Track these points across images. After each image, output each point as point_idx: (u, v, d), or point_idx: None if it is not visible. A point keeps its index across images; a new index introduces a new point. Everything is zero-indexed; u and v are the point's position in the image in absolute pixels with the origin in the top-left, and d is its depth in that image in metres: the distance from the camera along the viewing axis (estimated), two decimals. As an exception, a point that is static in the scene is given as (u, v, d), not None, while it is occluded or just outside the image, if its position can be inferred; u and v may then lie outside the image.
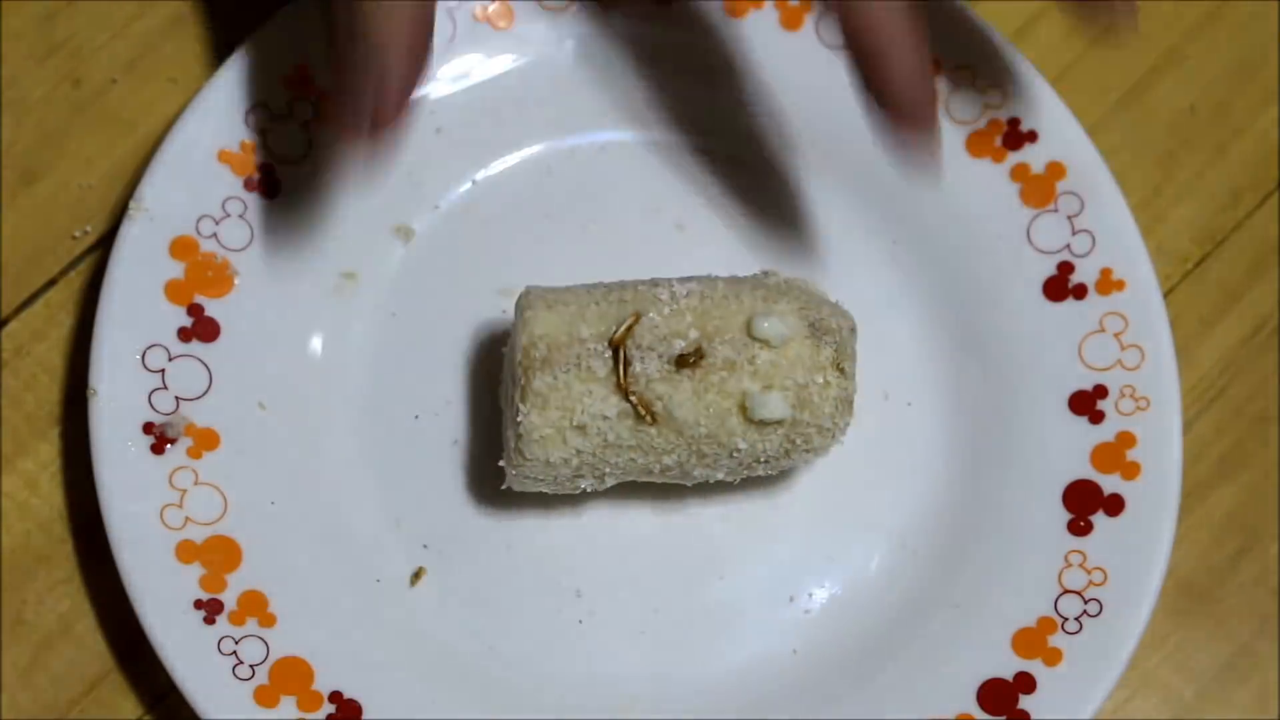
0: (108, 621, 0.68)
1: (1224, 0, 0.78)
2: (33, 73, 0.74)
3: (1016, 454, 0.69)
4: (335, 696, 0.64)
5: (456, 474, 0.69)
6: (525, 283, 0.65)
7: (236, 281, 0.68)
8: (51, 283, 0.72)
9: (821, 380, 0.62)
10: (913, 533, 0.70)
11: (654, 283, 0.64)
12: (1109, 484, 0.68)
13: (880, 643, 0.68)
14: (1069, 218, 0.70)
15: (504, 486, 0.66)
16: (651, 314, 0.62)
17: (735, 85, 0.73)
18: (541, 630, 0.68)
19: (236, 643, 0.64)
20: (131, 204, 0.67)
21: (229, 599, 0.64)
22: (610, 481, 0.65)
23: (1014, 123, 0.71)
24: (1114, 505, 0.67)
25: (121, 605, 0.64)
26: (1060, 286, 0.70)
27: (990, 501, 0.69)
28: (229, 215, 0.68)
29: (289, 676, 0.64)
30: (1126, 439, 0.68)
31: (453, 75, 0.72)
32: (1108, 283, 0.69)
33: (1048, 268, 0.70)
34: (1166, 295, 0.73)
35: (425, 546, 0.69)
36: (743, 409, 0.62)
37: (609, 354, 0.62)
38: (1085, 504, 0.68)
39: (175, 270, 0.67)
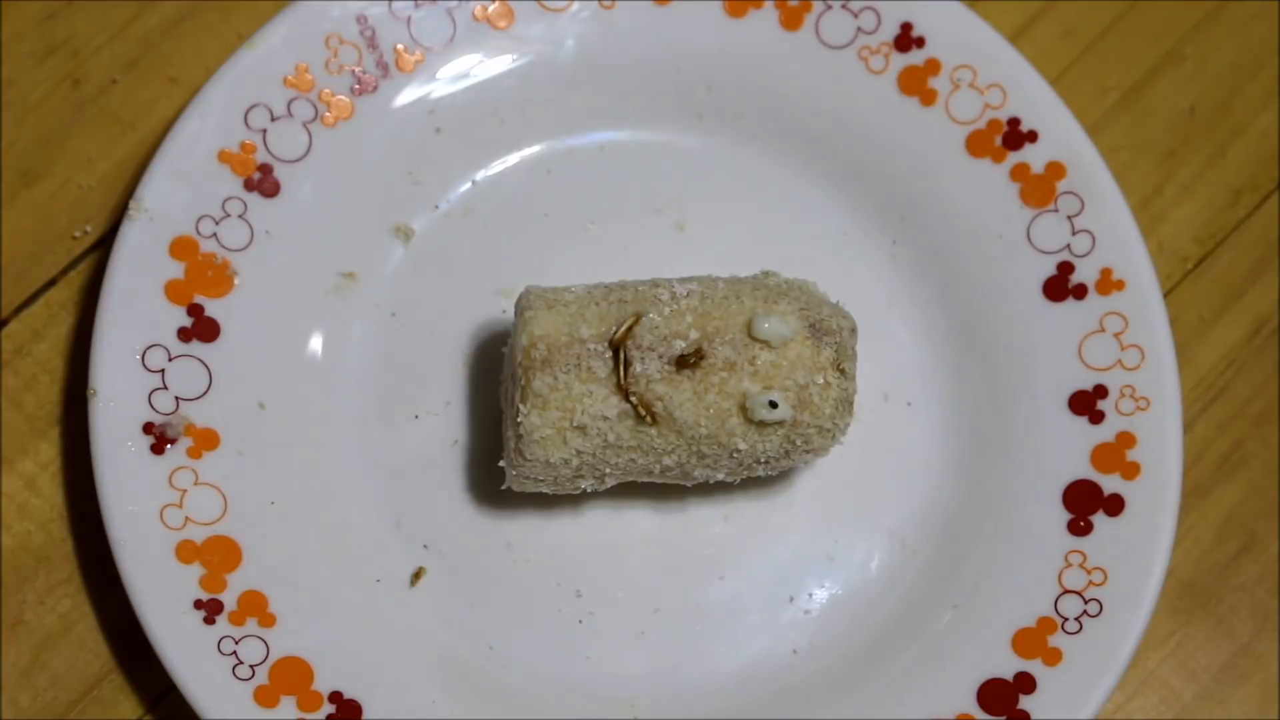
0: (108, 621, 0.68)
1: (1224, 0, 0.78)
2: (33, 73, 0.74)
3: (1016, 454, 0.69)
4: (335, 696, 0.64)
5: (456, 474, 0.69)
6: (525, 283, 0.65)
7: (236, 281, 0.68)
8: (51, 283, 0.72)
9: (822, 381, 0.62)
10: (913, 533, 0.70)
11: (654, 283, 0.64)
12: (1109, 484, 0.68)
13: (880, 643, 0.68)
14: (1069, 218, 0.70)
15: (504, 486, 0.66)
16: (652, 314, 0.62)
17: (735, 85, 0.73)
18: (541, 630, 0.68)
19: (236, 643, 0.64)
20: (131, 204, 0.67)
21: (229, 599, 0.64)
22: (610, 482, 0.65)
23: (1014, 123, 0.71)
24: (1114, 505, 0.67)
25: (121, 605, 0.64)
26: (1060, 286, 0.70)
27: (990, 501, 0.69)
28: (229, 215, 0.68)
29: (289, 676, 0.64)
30: (1126, 439, 0.68)
31: (453, 75, 0.72)
32: (1108, 283, 0.69)
33: (1048, 268, 0.70)
34: (1166, 295, 0.73)
35: (425, 546, 0.69)
36: (743, 409, 0.62)
37: (609, 354, 0.62)
38: (1085, 504, 0.68)
39: (175, 270, 0.67)
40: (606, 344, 0.62)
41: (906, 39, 0.72)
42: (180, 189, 0.68)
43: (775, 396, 0.62)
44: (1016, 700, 0.66)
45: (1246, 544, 0.72)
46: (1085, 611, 0.66)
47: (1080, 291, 0.70)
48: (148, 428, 0.65)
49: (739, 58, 0.72)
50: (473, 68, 0.72)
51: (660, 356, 0.62)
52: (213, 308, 0.67)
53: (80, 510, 0.69)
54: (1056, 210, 0.70)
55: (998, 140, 0.71)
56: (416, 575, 0.68)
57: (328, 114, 0.70)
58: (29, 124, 0.73)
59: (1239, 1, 0.78)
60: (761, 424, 0.62)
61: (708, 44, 0.72)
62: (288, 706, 0.64)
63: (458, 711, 0.65)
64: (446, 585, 0.68)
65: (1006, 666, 0.66)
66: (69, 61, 0.74)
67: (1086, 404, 0.69)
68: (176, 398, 0.66)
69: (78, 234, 0.72)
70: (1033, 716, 0.65)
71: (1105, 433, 0.68)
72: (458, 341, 0.71)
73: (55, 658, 0.68)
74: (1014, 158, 0.71)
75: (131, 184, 0.71)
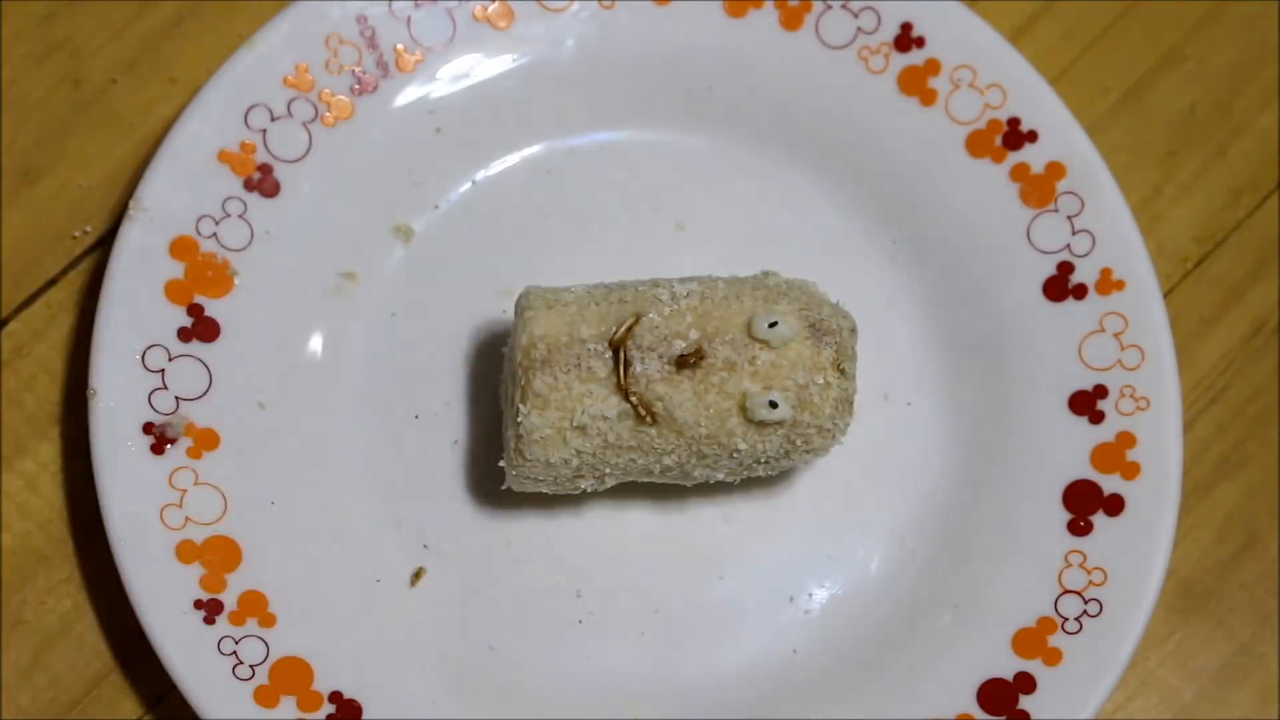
0: (108, 621, 0.68)
1: (1224, 0, 0.78)
2: (33, 73, 0.74)
3: (1016, 454, 0.69)
4: (335, 696, 0.64)
5: (456, 474, 0.69)
6: (525, 283, 0.65)
7: (236, 281, 0.68)
8: (51, 283, 0.72)
9: (822, 381, 0.62)
10: (913, 533, 0.70)
11: (654, 283, 0.64)
12: (1109, 484, 0.68)
13: (880, 643, 0.68)
14: (1069, 218, 0.70)
15: (504, 486, 0.66)
16: (652, 314, 0.62)
17: (735, 85, 0.73)
18: (541, 630, 0.68)
19: (236, 643, 0.64)
20: (131, 204, 0.67)
21: (229, 599, 0.64)
22: (610, 482, 0.65)
23: (1014, 123, 0.71)
24: (1114, 505, 0.67)
25: (121, 605, 0.64)
26: (1060, 286, 0.70)
27: (990, 501, 0.69)
28: (229, 215, 0.68)
29: (289, 676, 0.64)
30: (1126, 439, 0.68)
31: (453, 75, 0.72)
32: (1108, 283, 0.69)
33: (1048, 268, 0.70)
34: (1166, 295, 0.73)
35: (425, 546, 0.69)
36: (743, 409, 0.62)
37: (609, 354, 0.62)
38: (1085, 504, 0.68)
39: (175, 270, 0.67)
40: (606, 344, 0.62)
41: (906, 39, 0.72)
42: (180, 189, 0.68)
43: (775, 396, 0.62)
44: (1016, 700, 0.66)
45: (1246, 544, 0.72)
46: (1085, 611, 0.66)
47: (1080, 291, 0.70)
48: (148, 428, 0.65)
49: (739, 58, 0.72)
50: (473, 68, 0.72)
51: (660, 356, 0.62)
52: (213, 308, 0.67)
53: (80, 510, 0.69)
54: (1056, 210, 0.70)
55: (998, 140, 0.71)
56: (416, 575, 0.68)
57: (328, 114, 0.70)
58: (29, 124, 0.73)
59: (1239, 1, 0.78)
60: (761, 424, 0.62)
61: (708, 44, 0.72)
62: (288, 706, 0.64)
63: (458, 711, 0.65)
64: (446, 585, 0.68)
65: (1006, 666, 0.66)
66: (69, 61, 0.74)
67: (1086, 404, 0.69)
68: (176, 398, 0.66)
69: (78, 234, 0.72)
70: (1033, 716, 0.65)
71: (1105, 433, 0.68)
72: (458, 341, 0.71)
73: (55, 658, 0.68)
74: (1014, 158, 0.71)
75: (131, 184, 0.71)
